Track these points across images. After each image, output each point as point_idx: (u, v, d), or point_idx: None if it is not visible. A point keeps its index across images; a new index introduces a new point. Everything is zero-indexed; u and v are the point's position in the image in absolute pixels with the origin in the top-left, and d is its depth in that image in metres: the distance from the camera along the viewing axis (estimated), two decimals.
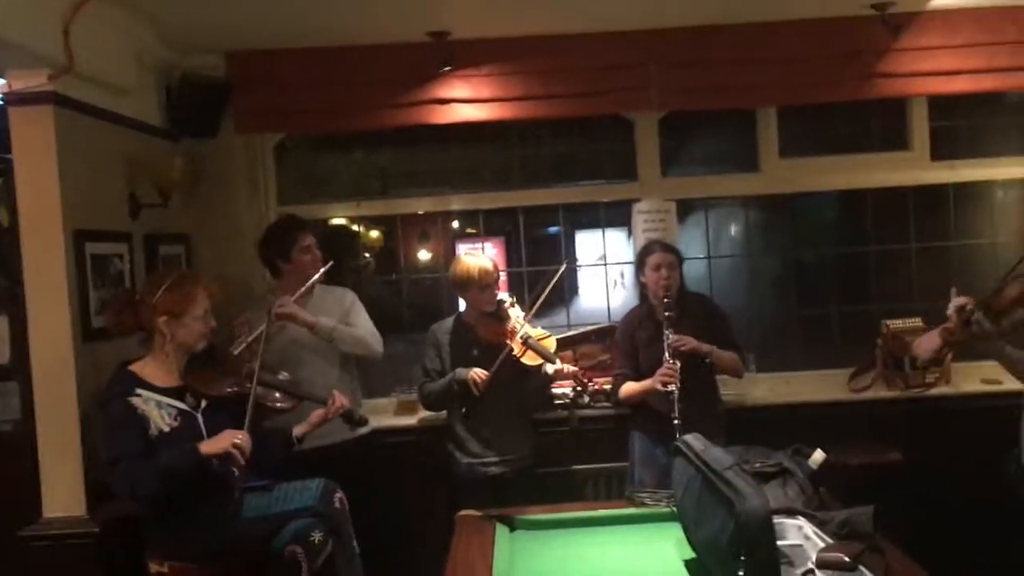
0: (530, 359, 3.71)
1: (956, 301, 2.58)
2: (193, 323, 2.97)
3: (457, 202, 4.68)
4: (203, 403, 2.98)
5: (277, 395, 3.23)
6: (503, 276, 4.62)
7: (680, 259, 3.79)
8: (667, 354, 3.52)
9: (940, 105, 4.55)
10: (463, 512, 2.98)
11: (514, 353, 3.68)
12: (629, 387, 3.76)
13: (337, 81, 4.24)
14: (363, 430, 3.57)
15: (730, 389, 4.14)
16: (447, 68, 4.17)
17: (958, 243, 4.66)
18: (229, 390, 3.05)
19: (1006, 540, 3.53)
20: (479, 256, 3.83)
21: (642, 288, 3.88)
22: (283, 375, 3.34)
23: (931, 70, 4.21)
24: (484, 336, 3.77)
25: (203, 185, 4.23)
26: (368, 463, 3.80)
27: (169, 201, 3.90)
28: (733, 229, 4.89)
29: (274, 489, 3.10)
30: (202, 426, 2.93)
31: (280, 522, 2.88)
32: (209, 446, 2.81)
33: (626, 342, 3.84)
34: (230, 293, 3.49)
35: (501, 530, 2.78)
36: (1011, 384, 2.79)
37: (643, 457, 3.75)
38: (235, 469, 2.86)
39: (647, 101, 4.31)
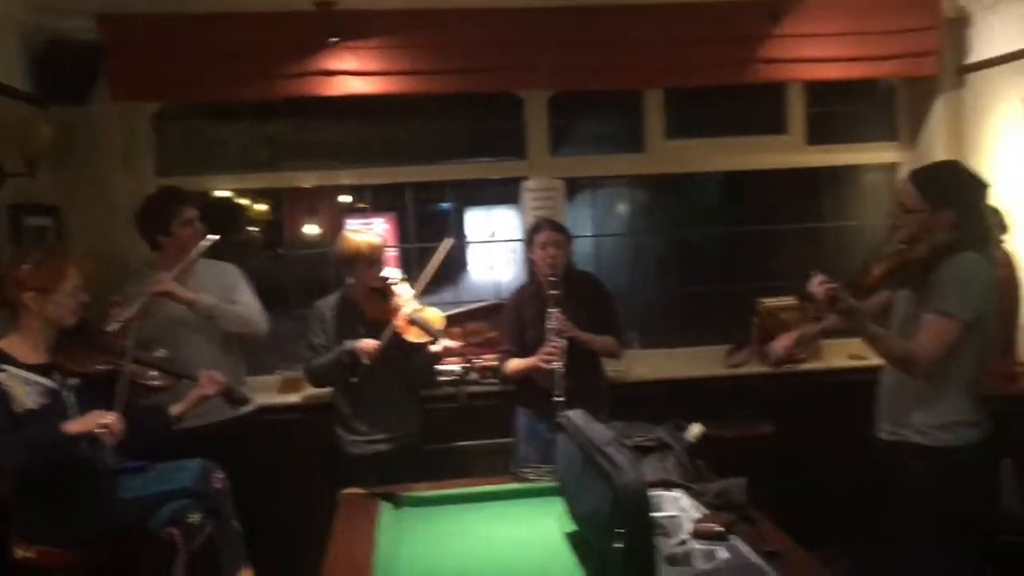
0: (415, 336, 3.70)
1: (817, 279, 2.67)
2: (63, 299, 2.85)
3: (345, 176, 4.61)
4: (73, 381, 2.86)
5: (153, 373, 3.13)
6: (392, 252, 4.60)
7: (568, 238, 3.82)
8: (551, 333, 3.56)
9: (816, 91, 4.73)
10: (347, 490, 2.96)
11: (399, 330, 3.66)
12: (514, 364, 3.79)
13: (220, 49, 4.08)
14: (244, 409, 3.51)
15: (613, 365, 4.22)
16: (335, 40, 4.08)
17: (830, 224, 4.86)
18: (100, 367, 2.94)
19: (870, 508, 3.72)
20: (366, 232, 3.79)
21: (530, 265, 3.90)
22: (160, 352, 3.23)
23: (807, 57, 4.36)
24: (369, 313, 3.74)
25: (75, 154, 4.01)
26: (251, 442, 3.72)
27: (36, 170, 3.71)
28: (620, 208, 4.98)
29: (150, 470, 3.01)
30: (71, 404, 2.82)
31: (156, 504, 2.79)
32: (74, 425, 2.71)
33: (513, 319, 3.87)
34: (104, 267, 3.35)
35: (386, 508, 2.78)
36: (877, 360, 2.93)
37: (527, 433, 3.80)
38: (105, 450, 2.77)
39: (536, 79, 4.32)
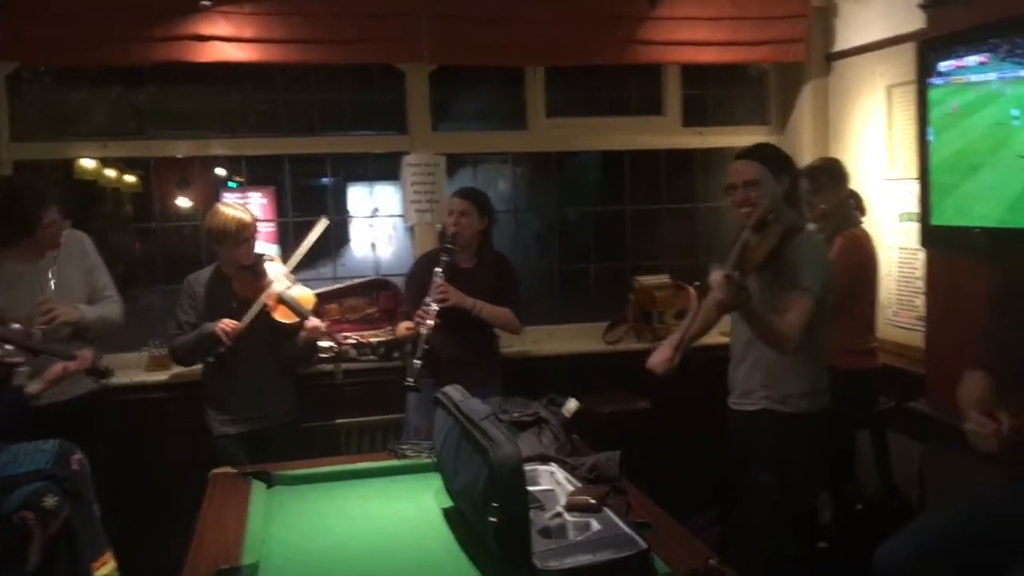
0: (283, 316, 3.63)
1: (718, 272, 2.72)
2: None
3: (219, 147, 4.43)
4: None
5: (8, 348, 2.95)
6: (269, 228, 4.48)
7: (481, 209, 3.81)
8: (430, 296, 3.58)
9: (692, 74, 4.84)
10: (217, 470, 2.88)
11: (268, 309, 3.58)
12: (404, 325, 3.80)
13: (83, 8, 3.87)
14: (107, 382, 3.35)
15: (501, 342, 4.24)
16: (206, 3, 3.92)
17: (703, 205, 5.00)
18: None
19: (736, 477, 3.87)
20: (237, 208, 3.66)
21: (444, 230, 3.92)
22: (15, 326, 3.05)
23: (684, 40, 4.46)
24: (240, 290, 3.65)
25: None
26: (115, 421, 3.57)
27: None
28: (501, 185, 4.99)
29: (2, 452, 2.84)
30: None
31: (8, 487, 2.64)
32: None
33: (414, 282, 3.87)
34: None
35: (257, 487, 2.71)
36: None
37: (419, 406, 3.77)
38: None
39: (418, 53, 4.26)
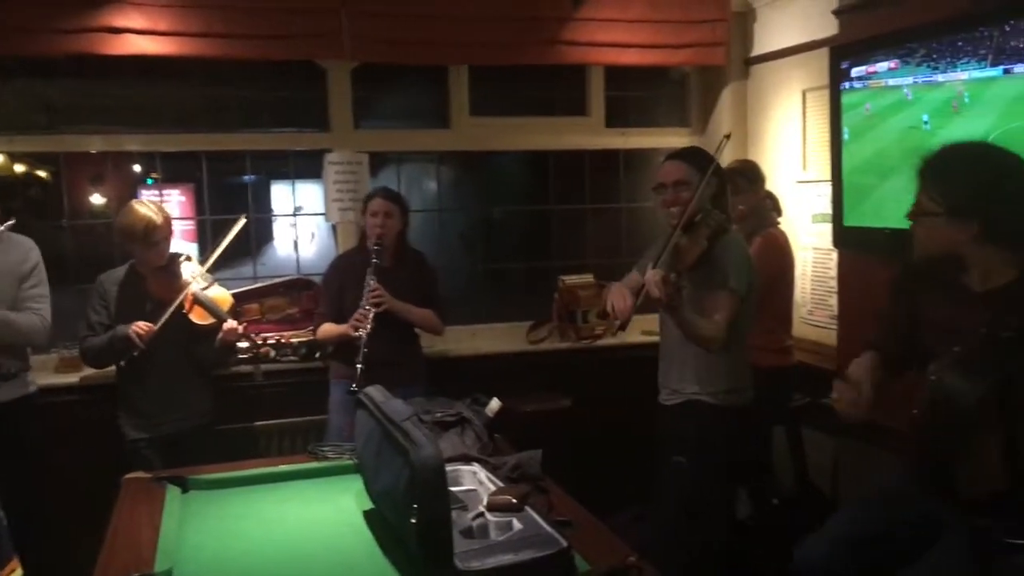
0: (199, 318, 3.55)
1: (656, 273, 2.73)
2: None
3: (132, 143, 4.32)
4: None
5: None
6: (188, 226, 4.38)
7: (403, 210, 3.84)
8: (364, 300, 3.57)
9: (615, 75, 4.88)
10: (130, 475, 2.79)
11: (184, 310, 3.50)
12: (326, 328, 3.79)
13: None
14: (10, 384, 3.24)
15: (422, 342, 4.22)
16: None
17: (626, 206, 5.05)
18: None
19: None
20: (150, 207, 3.56)
21: (362, 232, 3.90)
22: None
23: (607, 41, 4.49)
24: (155, 290, 3.55)
25: None
26: (22, 424, 3.44)
27: None
28: (425, 184, 4.96)
29: None
30: None
31: None
32: None
33: (333, 283, 3.85)
34: None
35: (172, 492, 2.63)
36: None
37: (342, 405, 3.72)
38: None
39: (338, 50, 4.20)
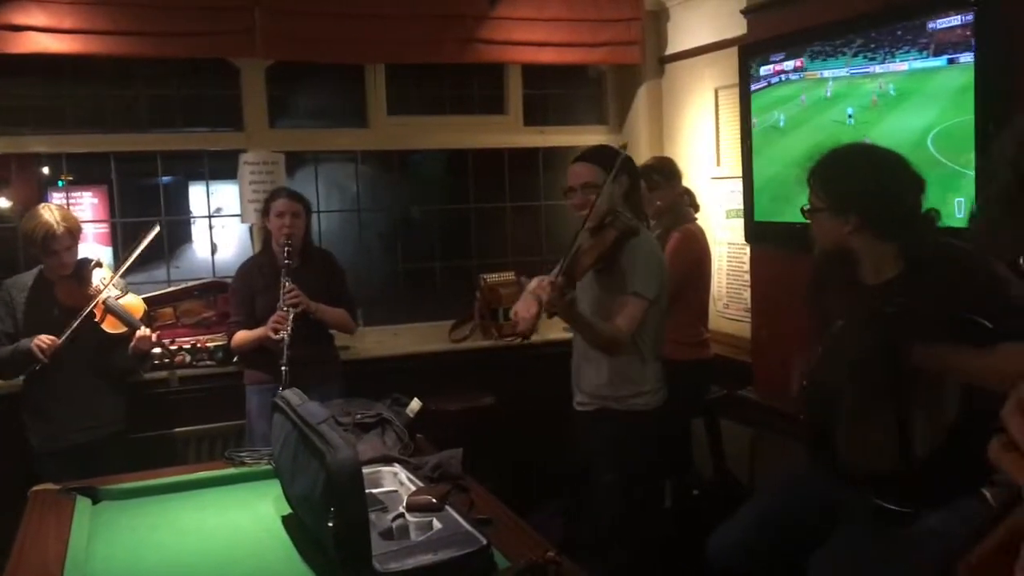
0: (112, 326, 3.45)
1: (543, 278, 2.74)
2: None
3: (37, 144, 4.17)
4: None
5: None
6: (103, 228, 4.26)
7: (308, 209, 3.78)
8: (281, 302, 3.52)
9: (533, 74, 4.91)
10: (37, 487, 2.71)
11: (95, 319, 3.41)
12: (242, 335, 3.70)
13: None
14: None
15: (340, 342, 4.18)
16: None
17: (546, 203, 5.08)
18: None
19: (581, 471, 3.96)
20: (54, 213, 3.43)
21: (266, 234, 3.80)
22: None
23: (523, 40, 4.52)
24: (64, 298, 3.44)
25: None
26: None
27: None
28: (344, 184, 4.92)
29: None
30: None
31: None
32: None
33: (243, 289, 3.77)
34: None
35: (82, 503, 2.56)
36: None
37: (261, 410, 3.66)
38: None
39: (251, 48, 4.13)
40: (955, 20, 2.86)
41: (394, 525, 2.26)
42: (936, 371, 2.10)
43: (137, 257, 3.62)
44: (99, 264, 3.60)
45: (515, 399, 4.33)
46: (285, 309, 3.52)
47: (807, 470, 2.55)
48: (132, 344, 3.50)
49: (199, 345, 4.00)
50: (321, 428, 2.14)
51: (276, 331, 3.50)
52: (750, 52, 3.77)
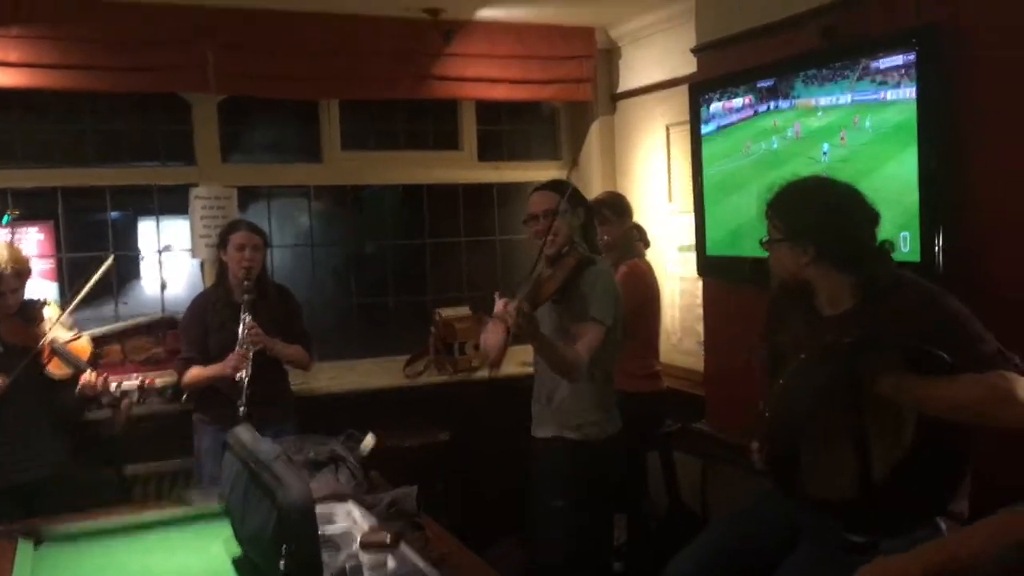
0: (57, 368, 3.36)
1: (510, 303, 2.75)
2: None
3: None
4: None
5: None
6: (50, 264, 4.18)
7: (266, 242, 3.72)
8: (242, 339, 3.44)
9: (487, 110, 4.95)
10: None
11: (41, 360, 3.32)
12: (195, 372, 3.61)
13: None
14: None
15: (295, 378, 4.13)
16: None
17: (500, 238, 5.11)
18: None
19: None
20: (4, 250, 3.31)
21: (221, 268, 3.71)
22: None
23: (477, 76, 4.57)
24: (9, 336, 3.34)
25: None
26: None
27: None
28: (297, 219, 4.89)
29: None
30: None
31: None
32: None
33: (196, 325, 3.67)
34: None
35: (24, 546, 2.48)
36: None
37: (213, 448, 3.55)
38: None
39: (204, 83, 4.12)
40: (898, 60, 2.94)
41: (348, 565, 2.22)
42: (903, 401, 2.12)
43: (87, 292, 3.53)
44: (45, 303, 3.51)
45: (471, 434, 4.30)
46: (245, 347, 3.45)
47: (763, 499, 2.56)
48: (78, 388, 3.40)
49: (147, 384, 3.91)
50: (273, 465, 2.11)
51: (235, 369, 3.42)
52: (700, 90, 3.84)
